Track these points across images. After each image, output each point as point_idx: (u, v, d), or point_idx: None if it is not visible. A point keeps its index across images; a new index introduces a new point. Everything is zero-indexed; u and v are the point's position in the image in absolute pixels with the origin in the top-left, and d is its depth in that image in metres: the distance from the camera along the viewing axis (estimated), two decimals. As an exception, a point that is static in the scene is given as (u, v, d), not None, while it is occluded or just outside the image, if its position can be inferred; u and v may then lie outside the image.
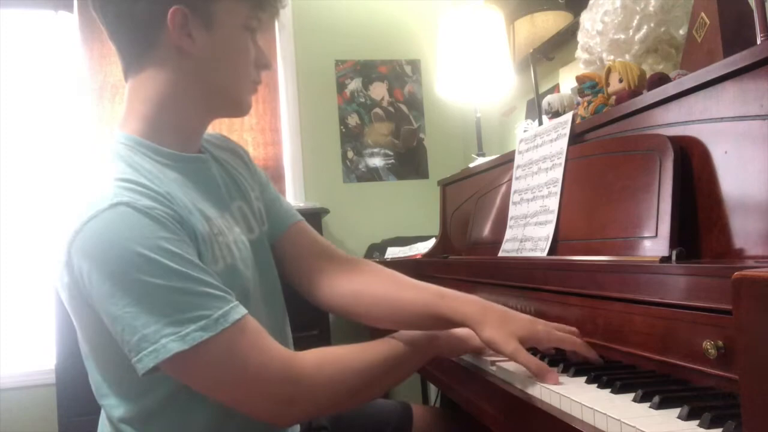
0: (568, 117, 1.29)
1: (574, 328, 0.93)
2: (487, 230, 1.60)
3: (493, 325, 0.89)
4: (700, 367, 0.74)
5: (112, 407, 0.89)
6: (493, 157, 1.83)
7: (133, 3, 0.87)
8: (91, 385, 0.93)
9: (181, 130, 0.94)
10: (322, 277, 1.05)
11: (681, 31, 1.30)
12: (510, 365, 0.94)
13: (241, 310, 0.81)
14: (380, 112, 3.31)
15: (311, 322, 2.47)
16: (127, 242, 0.76)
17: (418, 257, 2.11)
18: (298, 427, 1.06)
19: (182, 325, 0.76)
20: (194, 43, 0.89)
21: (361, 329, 1.70)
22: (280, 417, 0.85)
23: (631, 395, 0.72)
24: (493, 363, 0.98)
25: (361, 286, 1.04)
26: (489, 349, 0.93)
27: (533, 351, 0.93)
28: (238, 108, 0.98)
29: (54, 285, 0.86)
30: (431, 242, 2.21)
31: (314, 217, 2.83)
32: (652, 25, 1.31)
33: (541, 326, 0.91)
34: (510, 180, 1.46)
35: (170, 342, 0.75)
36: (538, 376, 0.83)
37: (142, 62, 0.91)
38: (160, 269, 0.76)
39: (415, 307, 0.97)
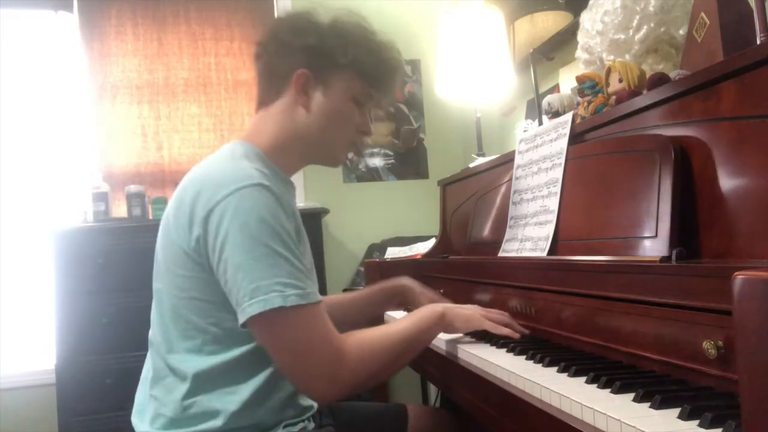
0: (568, 117, 1.29)
1: (503, 311, 1.18)
2: (487, 230, 1.60)
3: (453, 318, 1.14)
4: (700, 367, 0.74)
5: (177, 360, 1.03)
6: (493, 157, 1.82)
7: (278, 59, 1.13)
8: (156, 340, 1.07)
9: (286, 160, 1.15)
10: None
11: (681, 31, 1.30)
12: (509, 365, 0.94)
13: (320, 297, 0.99)
14: (380, 112, 3.31)
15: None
16: (264, 213, 0.95)
17: (418, 257, 2.11)
18: (312, 424, 1.12)
19: (286, 288, 0.93)
20: (309, 101, 1.12)
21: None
22: (320, 390, 0.99)
23: (631, 395, 0.72)
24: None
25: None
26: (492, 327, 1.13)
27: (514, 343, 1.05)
28: (331, 160, 1.20)
29: (171, 239, 1.02)
30: (431, 242, 2.21)
31: (314, 217, 2.83)
32: (652, 25, 1.31)
33: (482, 310, 1.17)
34: (510, 180, 1.46)
35: (276, 297, 0.92)
36: (500, 333, 1.11)
37: (271, 101, 1.14)
38: (281, 240, 0.96)
39: (387, 297, 1.24)
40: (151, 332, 1.09)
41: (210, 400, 1.00)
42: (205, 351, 1.01)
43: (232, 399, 1.00)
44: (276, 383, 1.04)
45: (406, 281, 1.45)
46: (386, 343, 1.05)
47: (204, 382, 1.01)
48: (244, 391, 1.01)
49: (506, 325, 1.14)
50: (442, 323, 1.14)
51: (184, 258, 1.00)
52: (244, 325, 0.95)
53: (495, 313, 1.18)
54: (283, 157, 1.13)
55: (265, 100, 1.15)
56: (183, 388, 1.01)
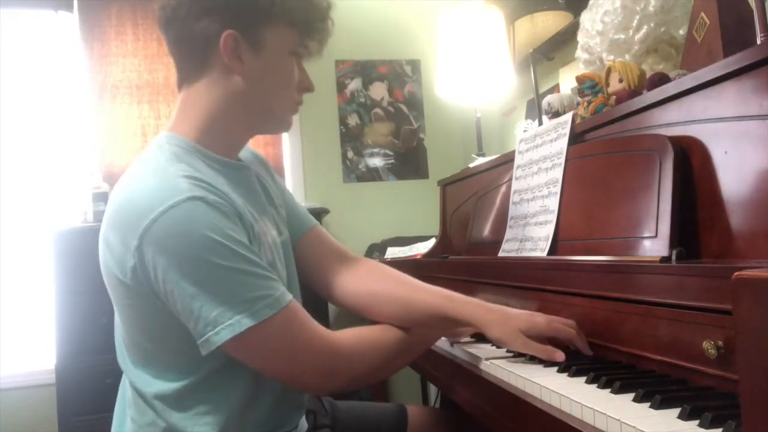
0: (568, 117, 1.29)
1: (571, 321, 0.99)
2: (487, 230, 1.60)
3: (498, 324, 1.00)
4: (700, 367, 0.74)
5: (145, 384, 0.95)
6: (493, 157, 1.82)
7: (192, 24, 0.96)
8: (119, 361, 1.00)
9: (226, 141, 1.02)
10: (338, 278, 1.14)
11: (681, 31, 1.30)
12: (507, 365, 0.94)
13: (290, 294, 0.92)
14: (380, 112, 3.31)
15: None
16: (203, 230, 0.85)
17: (418, 257, 2.11)
18: (306, 425, 1.10)
19: (253, 303, 0.86)
20: (243, 65, 0.97)
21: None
22: (322, 386, 0.97)
23: (631, 395, 0.72)
24: (487, 358, 1.00)
25: (375, 287, 1.12)
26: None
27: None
28: (279, 126, 1.07)
29: (108, 268, 0.93)
30: (431, 242, 2.21)
31: (314, 217, 2.82)
32: (652, 25, 1.31)
33: (540, 317, 1.00)
34: (510, 180, 1.46)
35: (244, 318, 0.85)
36: (549, 358, 0.93)
37: (196, 76, 0.99)
38: (231, 254, 0.86)
39: (426, 308, 1.06)
40: (117, 356, 1.02)
41: (186, 423, 0.93)
42: (166, 378, 0.93)
43: (209, 420, 0.93)
44: (255, 397, 0.97)
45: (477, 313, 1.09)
46: (387, 339, 1.02)
47: (176, 406, 0.93)
48: (222, 409, 0.93)
49: (571, 339, 0.96)
50: (447, 326, 1.09)
51: (120, 285, 0.91)
52: (211, 352, 0.87)
53: (558, 322, 0.98)
54: (221, 137, 1.00)
55: (187, 75, 1.00)
56: (155, 412, 0.94)
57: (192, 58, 0.99)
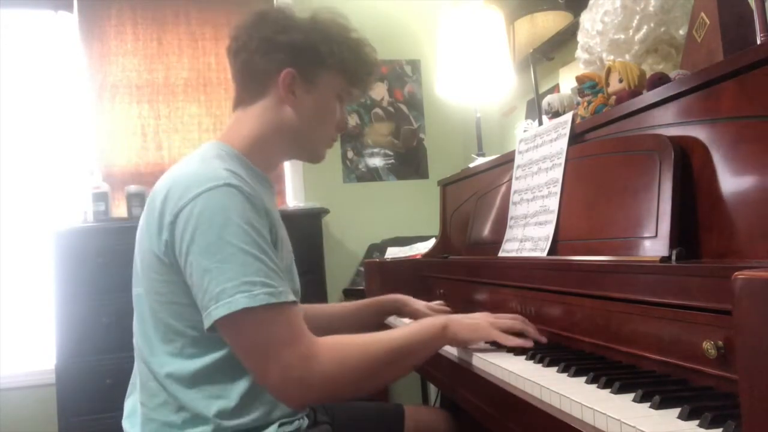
0: (568, 117, 1.29)
1: (517, 315, 1.12)
2: (487, 230, 1.60)
3: (458, 329, 1.07)
4: (700, 367, 0.74)
5: (160, 364, 1.00)
6: (493, 157, 1.82)
7: (260, 57, 1.09)
8: (137, 344, 1.05)
9: (266, 159, 1.14)
10: None
11: (681, 31, 1.30)
12: (509, 366, 0.94)
13: (294, 298, 0.96)
14: (380, 112, 3.31)
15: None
16: (231, 213, 0.93)
17: (418, 257, 2.11)
18: (306, 421, 1.10)
19: (254, 287, 0.90)
20: (295, 99, 1.10)
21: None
22: (293, 394, 0.94)
23: (631, 395, 0.72)
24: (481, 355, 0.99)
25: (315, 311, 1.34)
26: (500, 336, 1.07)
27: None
28: (313, 157, 1.19)
29: (144, 245, 1.01)
30: (431, 242, 2.21)
31: (314, 217, 2.83)
32: (652, 25, 1.31)
33: (491, 317, 1.10)
34: (510, 180, 1.46)
35: (242, 297, 0.89)
36: (510, 344, 1.04)
37: (252, 101, 1.12)
38: (248, 238, 0.92)
39: (378, 308, 1.19)
40: (134, 338, 1.07)
41: (197, 404, 0.98)
42: (186, 354, 0.99)
43: (220, 402, 0.97)
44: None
45: (400, 295, 1.44)
46: (371, 349, 0.98)
47: (189, 386, 0.98)
48: (232, 393, 0.98)
49: (519, 332, 1.08)
50: (446, 336, 1.06)
51: (157, 262, 0.98)
52: (212, 329, 0.92)
53: (506, 318, 1.11)
54: (262, 154, 1.12)
55: (244, 98, 1.13)
56: (168, 392, 0.99)
57: (252, 85, 1.11)
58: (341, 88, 1.14)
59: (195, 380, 0.98)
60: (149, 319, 1.02)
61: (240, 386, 0.99)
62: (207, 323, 0.91)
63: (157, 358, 1.01)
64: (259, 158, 1.11)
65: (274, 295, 0.91)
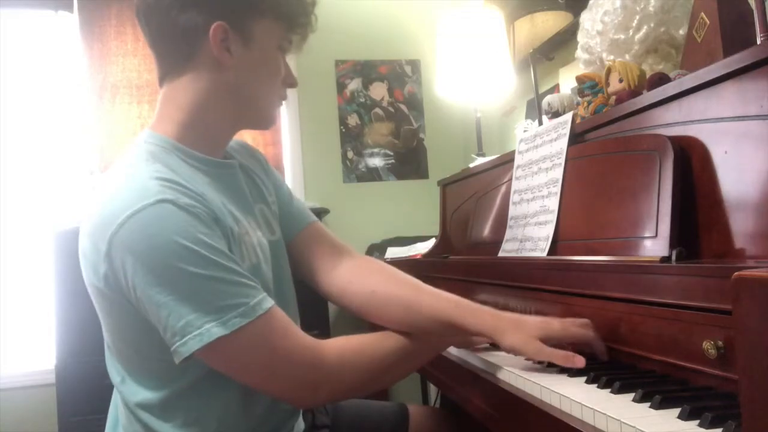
0: (568, 117, 1.29)
1: (586, 320, 0.93)
2: (487, 230, 1.60)
3: (511, 331, 0.93)
4: (700, 367, 0.74)
5: (131, 393, 0.92)
6: (493, 157, 1.82)
7: (177, 15, 0.92)
8: (108, 370, 0.98)
9: (210, 137, 0.98)
10: (338, 277, 1.09)
11: (681, 31, 1.30)
12: (509, 366, 0.94)
13: (270, 300, 0.87)
14: (380, 112, 3.31)
15: (311, 323, 2.47)
16: (172, 235, 0.80)
17: (418, 257, 2.11)
18: (303, 425, 1.08)
19: (224, 312, 0.81)
20: (231, 57, 0.94)
21: (363, 329, 1.69)
22: (303, 399, 0.92)
23: (631, 395, 0.72)
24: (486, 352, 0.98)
25: (376, 287, 1.06)
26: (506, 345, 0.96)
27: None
28: (264, 120, 1.03)
29: (86, 276, 0.89)
30: (431, 242, 2.20)
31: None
32: (652, 25, 1.31)
33: (556, 323, 0.93)
34: (510, 180, 1.46)
35: (213, 327, 0.80)
36: (568, 364, 0.86)
37: (180, 70, 0.95)
38: (202, 260, 0.81)
39: (430, 312, 0.98)
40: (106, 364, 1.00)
41: None
42: (151, 385, 0.91)
43: (197, 429, 0.90)
44: (247, 403, 0.94)
45: None
46: (376, 351, 0.95)
47: (160, 416, 0.91)
48: (210, 418, 0.91)
49: (590, 343, 0.91)
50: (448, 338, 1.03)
51: (101, 295, 0.88)
52: (188, 359, 0.82)
53: (574, 325, 0.92)
54: (204, 134, 0.97)
55: (169, 69, 0.96)
56: (140, 423, 0.92)
57: (176, 51, 0.95)
58: (280, 37, 0.98)
59: (166, 409, 0.91)
60: (111, 348, 0.96)
61: (219, 409, 0.92)
62: (178, 359, 0.82)
63: (125, 387, 0.94)
64: (199, 140, 0.96)
65: (247, 313, 0.82)
